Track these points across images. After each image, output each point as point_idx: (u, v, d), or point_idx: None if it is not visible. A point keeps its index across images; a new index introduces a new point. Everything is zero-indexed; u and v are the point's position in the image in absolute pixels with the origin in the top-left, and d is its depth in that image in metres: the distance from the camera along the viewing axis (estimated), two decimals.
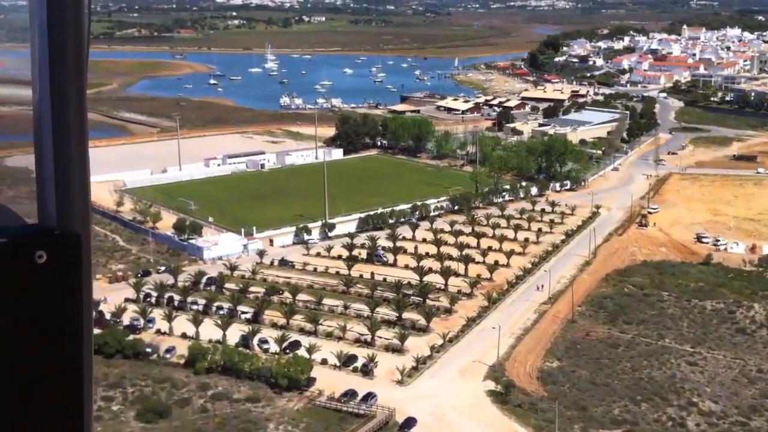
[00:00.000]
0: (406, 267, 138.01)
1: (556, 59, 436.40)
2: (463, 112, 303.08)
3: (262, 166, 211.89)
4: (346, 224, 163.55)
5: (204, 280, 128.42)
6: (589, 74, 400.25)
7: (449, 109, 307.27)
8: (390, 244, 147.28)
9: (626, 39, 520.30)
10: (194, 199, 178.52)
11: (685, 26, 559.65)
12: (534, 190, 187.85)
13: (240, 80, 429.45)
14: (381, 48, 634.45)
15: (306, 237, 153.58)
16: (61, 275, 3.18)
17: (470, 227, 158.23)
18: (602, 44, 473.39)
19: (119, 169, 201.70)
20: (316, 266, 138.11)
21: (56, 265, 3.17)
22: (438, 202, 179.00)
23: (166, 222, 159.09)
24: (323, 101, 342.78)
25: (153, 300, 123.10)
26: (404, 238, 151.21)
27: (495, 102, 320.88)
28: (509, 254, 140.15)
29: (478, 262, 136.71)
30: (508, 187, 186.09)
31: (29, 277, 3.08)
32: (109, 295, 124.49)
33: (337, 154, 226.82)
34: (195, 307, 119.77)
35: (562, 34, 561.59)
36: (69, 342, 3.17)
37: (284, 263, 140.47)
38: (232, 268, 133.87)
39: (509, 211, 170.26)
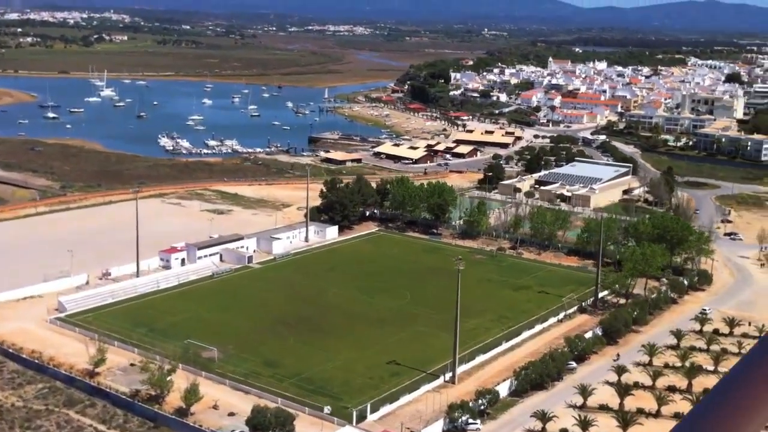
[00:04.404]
0: None
1: (452, 93, 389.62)
2: (415, 161, 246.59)
3: (250, 259, 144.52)
4: (479, 374, 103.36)
5: None
6: (497, 111, 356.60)
7: (396, 158, 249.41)
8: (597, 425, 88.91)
9: (495, 71, 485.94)
10: (190, 330, 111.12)
11: (551, 58, 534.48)
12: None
13: (82, 113, 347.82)
14: (218, 74, 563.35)
15: (465, 419, 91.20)
16: None
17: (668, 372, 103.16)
18: (495, 78, 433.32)
19: (27, 272, 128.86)
20: None
21: None
22: (559, 320, 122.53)
23: (206, 400, 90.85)
24: (216, 143, 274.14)
25: None
26: (608, 410, 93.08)
27: (440, 147, 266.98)
28: None
29: None
30: (637, 291, 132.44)
31: None
32: None
33: (332, 232, 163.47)
34: None
35: (425, 65, 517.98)
36: None
37: None
38: None
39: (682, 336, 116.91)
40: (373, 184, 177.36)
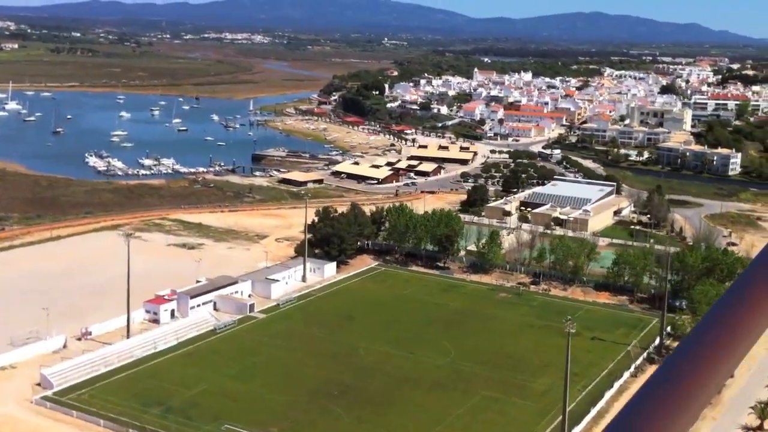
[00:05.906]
0: None
1: (389, 105, 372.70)
2: (380, 181, 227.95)
3: (252, 308, 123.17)
4: None
5: None
6: (440, 124, 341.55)
7: (359, 178, 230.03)
8: None
9: (422, 81, 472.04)
10: (215, 408, 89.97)
11: (476, 69, 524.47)
12: None
13: None
14: (128, 84, 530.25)
15: None
16: None
17: None
18: (430, 89, 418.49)
19: None
20: None
21: None
22: (632, 374, 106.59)
23: None
24: (153, 163, 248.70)
25: None
26: None
27: (401, 165, 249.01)
28: None
29: None
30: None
31: None
32: None
33: (330, 269, 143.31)
34: None
35: (350, 75, 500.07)
36: None
37: None
38: None
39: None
40: (367, 211, 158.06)
